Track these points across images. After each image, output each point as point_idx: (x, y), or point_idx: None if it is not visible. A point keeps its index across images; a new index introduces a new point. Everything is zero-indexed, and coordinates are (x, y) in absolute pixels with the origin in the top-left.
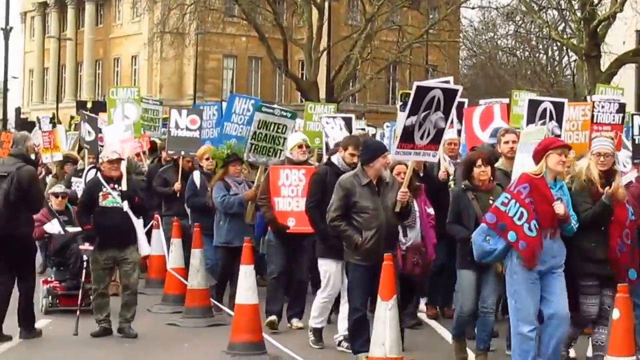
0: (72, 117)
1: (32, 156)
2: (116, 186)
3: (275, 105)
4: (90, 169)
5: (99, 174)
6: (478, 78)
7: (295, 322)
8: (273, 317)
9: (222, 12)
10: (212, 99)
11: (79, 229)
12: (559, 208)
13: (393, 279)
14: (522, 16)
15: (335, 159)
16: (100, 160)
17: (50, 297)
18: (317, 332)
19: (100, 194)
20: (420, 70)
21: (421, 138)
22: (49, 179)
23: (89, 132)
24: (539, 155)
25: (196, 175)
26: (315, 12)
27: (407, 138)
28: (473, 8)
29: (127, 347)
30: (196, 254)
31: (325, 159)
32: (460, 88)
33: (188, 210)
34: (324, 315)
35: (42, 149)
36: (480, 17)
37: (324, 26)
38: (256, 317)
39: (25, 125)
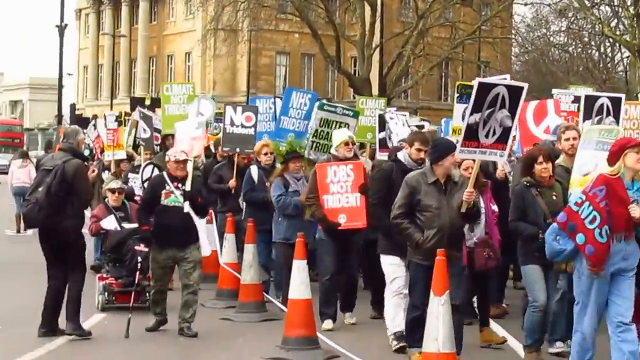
0: (126, 114)
1: (86, 152)
2: (180, 185)
3: (337, 104)
4: (148, 164)
5: (164, 173)
6: (530, 74)
7: (348, 318)
8: (330, 324)
9: (275, 9)
10: (265, 95)
11: (135, 225)
12: (635, 211)
13: (445, 274)
14: (575, 12)
15: (401, 155)
16: (167, 158)
17: (106, 293)
18: (399, 335)
19: (163, 192)
20: (473, 67)
21: (486, 136)
22: (105, 175)
23: (144, 129)
24: (615, 155)
25: (254, 170)
26: (367, 8)
27: (471, 136)
28: (525, 4)
29: (182, 342)
30: (249, 249)
31: (378, 155)
32: (525, 86)
33: (243, 205)
34: (399, 315)
35: (105, 146)
36: (533, 14)
37: (376, 23)
38: (309, 312)
39: (80, 121)
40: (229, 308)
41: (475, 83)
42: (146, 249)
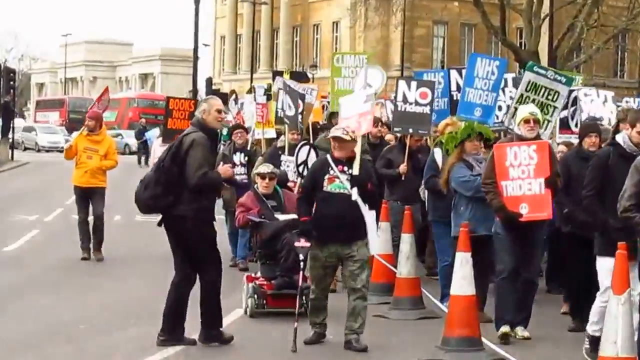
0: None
1: (224, 130)
2: (346, 169)
3: (549, 68)
4: (303, 145)
5: (328, 155)
6: None
7: (520, 331)
8: (506, 329)
9: None
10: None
11: (291, 216)
12: None
13: (627, 271)
14: None
15: (620, 137)
16: (327, 135)
17: (256, 296)
18: (595, 341)
19: (326, 177)
20: None
21: None
22: (237, 157)
23: (289, 105)
24: None
25: (437, 153)
26: None
27: None
28: None
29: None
30: (406, 239)
31: (558, 137)
32: None
33: (424, 194)
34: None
35: (255, 123)
36: None
37: None
38: (473, 309)
39: (217, 97)
40: (382, 304)
41: None
42: (307, 245)
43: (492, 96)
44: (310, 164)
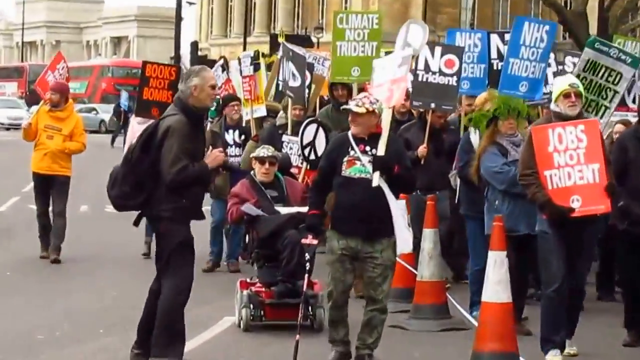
0: (263, 55)
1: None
2: (368, 149)
3: (612, 44)
4: (310, 123)
5: (348, 133)
6: None
7: (567, 348)
8: (556, 356)
9: None
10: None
11: (294, 209)
12: None
13: None
14: None
15: None
16: (330, 109)
17: (252, 306)
18: None
19: (345, 159)
20: None
21: None
22: (230, 136)
23: (293, 74)
24: None
25: (473, 133)
26: None
27: None
28: None
29: None
30: (429, 235)
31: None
32: None
33: (455, 181)
34: None
35: (243, 101)
36: None
37: None
38: (508, 319)
39: (203, 64)
40: (400, 312)
41: None
42: (315, 242)
43: (540, 67)
44: (318, 146)
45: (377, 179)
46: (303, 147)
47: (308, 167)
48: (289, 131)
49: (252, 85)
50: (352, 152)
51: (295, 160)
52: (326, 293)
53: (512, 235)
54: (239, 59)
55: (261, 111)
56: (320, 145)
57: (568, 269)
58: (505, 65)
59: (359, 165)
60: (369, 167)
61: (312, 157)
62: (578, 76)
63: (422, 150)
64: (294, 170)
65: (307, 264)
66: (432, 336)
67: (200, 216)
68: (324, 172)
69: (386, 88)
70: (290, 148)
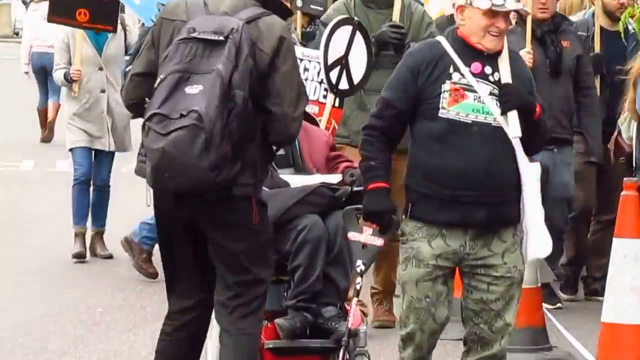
0: None
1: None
2: (489, 70)
3: None
4: (341, 23)
5: (442, 40)
6: None
7: None
8: None
9: None
10: None
11: (314, 178)
12: None
13: None
14: None
15: None
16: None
17: None
18: None
19: (446, 87)
20: None
21: None
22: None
23: None
24: None
25: None
26: None
27: None
28: None
29: None
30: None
31: None
32: None
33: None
34: None
35: None
36: None
37: None
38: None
39: None
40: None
41: None
42: (380, 242)
43: None
44: (354, 66)
45: (515, 128)
46: (328, 68)
47: (337, 102)
48: (297, 41)
49: None
50: (455, 76)
51: (313, 90)
52: (402, 334)
53: None
54: None
55: None
56: (359, 64)
57: None
58: None
59: (473, 101)
60: (493, 104)
61: (344, 85)
62: None
63: (527, 57)
64: (311, 109)
65: (359, 278)
66: None
67: None
68: (396, 109)
69: None
70: (306, 69)
